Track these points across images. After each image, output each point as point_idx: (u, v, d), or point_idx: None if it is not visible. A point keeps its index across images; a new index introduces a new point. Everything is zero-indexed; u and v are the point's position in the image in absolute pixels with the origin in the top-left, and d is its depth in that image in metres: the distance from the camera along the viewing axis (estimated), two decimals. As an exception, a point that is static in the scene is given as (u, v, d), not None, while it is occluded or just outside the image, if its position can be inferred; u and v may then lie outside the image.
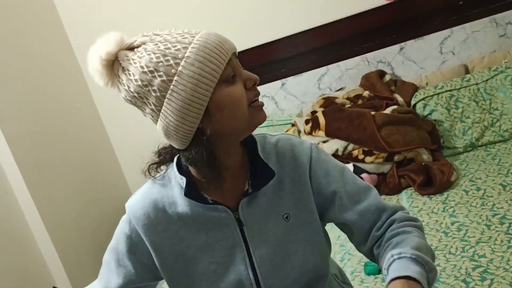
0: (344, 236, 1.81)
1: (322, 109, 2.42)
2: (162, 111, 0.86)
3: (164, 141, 0.97)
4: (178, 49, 0.84)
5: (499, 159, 2.08)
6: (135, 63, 0.86)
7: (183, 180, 0.94)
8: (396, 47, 2.66)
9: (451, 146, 2.28)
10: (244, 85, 0.90)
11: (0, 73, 2.31)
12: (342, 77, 2.74)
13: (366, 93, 2.50)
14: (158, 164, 0.99)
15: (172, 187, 0.98)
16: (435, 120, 2.33)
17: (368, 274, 1.62)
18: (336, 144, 2.27)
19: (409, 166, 2.14)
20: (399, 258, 0.88)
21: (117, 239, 1.02)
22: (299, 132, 2.50)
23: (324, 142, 2.32)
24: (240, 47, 0.93)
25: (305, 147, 1.01)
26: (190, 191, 0.94)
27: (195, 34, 0.87)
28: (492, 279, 1.39)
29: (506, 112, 2.25)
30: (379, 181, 2.17)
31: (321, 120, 2.33)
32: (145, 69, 0.84)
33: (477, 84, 2.36)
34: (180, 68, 0.84)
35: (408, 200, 2.02)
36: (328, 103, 2.46)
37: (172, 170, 0.98)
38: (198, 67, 0.83)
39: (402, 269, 0.86)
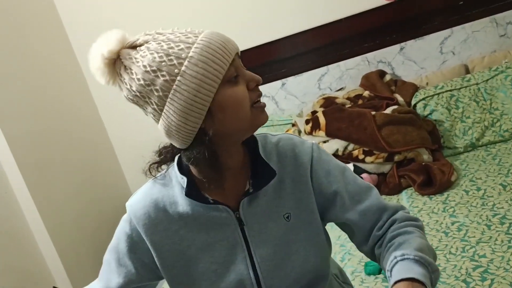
0: (344, 236, 1.82)
1: (322, 109, 2.42)
2: (164, 110, 0.86)
3: (165, 141, 0.97)
4: (182, 49, 0.84)
5: (500, 159, 2.08)
6: (137, 62, 0.85)
7: (184, 180, 0.94)
8: (396, 47, 2.66)
9: (451, 146, 2.28)
10: (246, 85, 0.90)
11: (0, 73, 2.31)
12: (342, 77, 2.74)
13: (366, 93, 2.50)
14: (159, 163, 0.99)
15: (173, 186, 0.98)
16: (435, 120, 2.33)
17: (369, 274, 1.62)
18: (336, 144, 2.27)
19: (409, 166, 2.14)
20: (402, 259, 0.88)
21: (117, 239, 1.02)
22: (299, 132, 2.50)
23: (325, 142, 2.32)
24: (240, 47, 0.93)
25: (306, 147, 1.01)
26: (191, 191, 0.94)
27: (198, 33, 0.87)
28: (492, 279, 1.39)
29: (507, 112, 2.25)
30: (379, 181, 2.17)
31: (322, 120, 2.33)
32: (148, 69, 0.84)
33: (477, 84, 2.36)
34: (183, 68, 0.83)
35: (408, 200, 2.01)
36: (329, 103, 2.46)
37: (173, 169, 0.98)
38: (201, 67, 0.83)
39: (405, 271, 0.86)
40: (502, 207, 1.73)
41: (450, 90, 2.37)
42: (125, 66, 0.87)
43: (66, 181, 2.58)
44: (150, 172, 0.99)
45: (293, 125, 2.59)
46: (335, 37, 2.70)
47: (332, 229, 1.11)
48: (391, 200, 2.08)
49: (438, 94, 2.37)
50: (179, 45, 0.84)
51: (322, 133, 2.32)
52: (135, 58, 0.86)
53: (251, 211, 0.97)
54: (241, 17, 2.74)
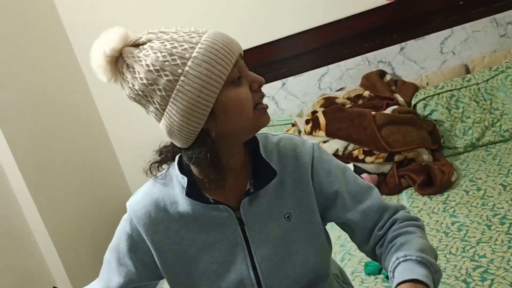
0: (344, 236, 1.82)
1: (322, 109, 2.42)
2: (166, 110, 0.86)
3: (165, 140, 0.96)
4: (185, 49, 0.84)
5: (500, 159, 2.08)
6: (140, 61, 0.84)
7: (184, 180, 0.94)
8: (397, 47, 2.66)
9: (451, 146, 2.28)
10: (249, 86, 0.89)
11: (0, 73, 2.31)
12: (342, 77, 2.74)
13: (366, 93, 2.49)
14: (160, 163, 0.99)
15: (173, 186, 0.97)
16: (435, 120, 2.33)
17: (369, 274, 1.61)
18: (336, 144, 2.27)
19: (410, 166, 2.14)
20: (404, 260, 0.88)
21: (118, 238, 1.02)
22: (299, 132, 2.50)
23: (325, 142, 2.31)
24: (240, 47, 0.92)
25: (307, 147, 1.01)
26: (192, 191, 0.94)
27: (202, 33, 0.86)
28: (492, 280, 1.39)
29: (507, 112, 2.25)
30: (380, 181, 2.17)
31: (322, 120, 2.33)
32: (151, 68, 0.83)
33: (477, 84, 2.35)
34: (187, 68, 0.83)
35: (408, 200, 2.01)
36: (329, 103, 2.45)
37: (174, 169, 0.98)
38: (205, 68, 0.83)
39: (408, 272, 0.86)
40: (502, 207, 1.73)
41: (450, 90, 2.37)
42: (127, 65, 0.86)
43: (66, 181, 2.58)
44: (151, 172, 0.98)
45: (293, 125, 2.59)
46: (335, 37, 2.70)
47: (332, 229, 1.11)
48: (391, 200, 2.07)
49: (438, 94, 2.37)
50: (182, 45, 0.84)
51: (322, 133, 2.31)
52: (138, 57, 0.85)
53: (252, 211, 0.97)
54: (241, 17, 2.74)
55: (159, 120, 0.89)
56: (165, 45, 0.84)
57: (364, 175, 2.17)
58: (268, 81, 2.76)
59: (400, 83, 2.57)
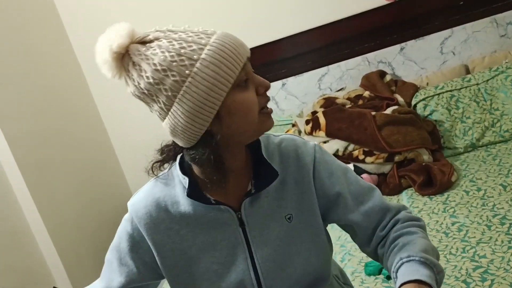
0: (344, 236, 1.82)
1: (322, 109, 2.42)
2: (171, 110, 0.85)
3: (166, 139, 0.96)
4: (194, 50, 0.83)
5: (500, 159, 2.08)
6: (147, 59, 0.83)
7: (185, 180, 0.93)
8: (397, 47, 2.66)
9: (451, 146, 2.28)
10: (255, 90, 0.89)
11: (0, 73, 2.31)
12: (342, 77, 2.74)
13: (366, 93, 2.50)
14: (162, 162, 0.98)
15: (174, 186, 0.97)
16: (435, 121, 2.33)
17: (369, 274, 1.61)
18: (336, 145, 2.27)
19: (410, 167, 2.14)
20: (407, 261, 0.88)
21: (119, 238, 1.02)
22: (299, 132, 2.50)
23: (325, 142, 2.31)
24: (240, 47, 0.92)
25: (308, 148, 1.00)
26: (193, 192, 0.93)
27: (211, 34, 0.85)
28: (492, 280, 1.39)
29: (507, 112, 2.25)
30: (380, 182, 2.17)
31: (322, 120, 2.33)
32: (158, 67, 0.82)
33: (477, 84, 2.35)
34: (194, 69, 0.82)
35: (408, 201, 2.01)
36: (329, 103, 2.45)
37: (175, 169, 0.97)
38: (213, 70, 0.82)
39: (411, 273, 0.86)
40: (502, 208, 1.73)
41: (451, 91, 2.37)
42: (133, 62, 0.85)
43: (66, 181, 2.58)
44: (153, 171, 0.98)
45: (293, 125, 2.59)
46: (336, 37, 2.70)
47: (332, 229, 1.11)
48: (391, 201, 2.08)
49: (438, 94, 2.37)
50: (191, 46, 0.83)
51: (322, 133, 2.31)
52: (145, 55, 0.83)
53: (253, 212, 0.97)
54: (241, 17, 2.74)
55: (163, 119, 0.88)
56: (173, 45, 0.83)
57: (364, 175, 2.17)
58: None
59: (400, 84, 2.57)
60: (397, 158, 2.17)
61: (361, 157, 2.20)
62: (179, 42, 0.83)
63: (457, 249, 1.59)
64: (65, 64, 2.85)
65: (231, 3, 2.74)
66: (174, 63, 0.82)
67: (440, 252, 1.59)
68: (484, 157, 2.15)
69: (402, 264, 0.89)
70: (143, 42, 0.85)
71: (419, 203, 1.96)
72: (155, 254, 0.98)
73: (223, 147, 0.89)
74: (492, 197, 1.82)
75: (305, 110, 2.61)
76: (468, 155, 2.22)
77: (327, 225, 1.06)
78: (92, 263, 2.53)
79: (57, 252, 2.35)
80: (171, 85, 0.82)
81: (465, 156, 2.23)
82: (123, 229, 1.01)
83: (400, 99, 2.46)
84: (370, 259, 1.59)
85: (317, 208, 0.99)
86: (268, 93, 0.93)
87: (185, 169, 0.96)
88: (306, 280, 1.00)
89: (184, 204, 0.96)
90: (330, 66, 2.73)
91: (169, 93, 0.83)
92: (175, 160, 0.98)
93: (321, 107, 2.46)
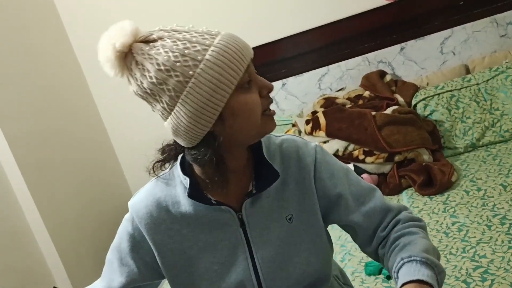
0: (344, 236, 1.82)
1: (322, 109, 2.42)
2: (174, 110, 0.84)
3: (167, 138, 0.96)
4: (198, 50, 0.82)
5: (500, 159, 2.08)
6: (151, 59, 0.83)
7: (186, 181, 0.93)
8: (397, 47, 2.66)
9: (451, 146, 2.28)
10: (259, 92, 0.89)
11: (0, 73, 2.31)
12: (342, 77, 2.74)
13: (366, 93, 2.50)
14: (163, 161, 0.98)
15: (175, 186, 0.97)
16: (435, 120, 2.33)
17: (369, 274, 1.61)
18: (336, 145, 2.27)
19: (410, 166, 2.14)
20: (409, 261, 0.88)
21: (120, 238, 1.02)
22: (299, 132, 2.50)
23: (325, 142, 2.31)
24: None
25: (310, 149, 1.00)
26: (194, 192, 0.93)
27: (215, 35, 0.85)
28: (492, 280, 1.39)
29: (507, 112, 2.25)
30: (380, 182, 2.17)
31: (322, 120, 2.33)
32: (162, 67, 0.82)
33: (477, 84, 2.35)
34: (198, 70, 0.82)
35: (408, 201, 2.01)
36: (329, 103, 2.45)
37: (176, 168, 0.97)
38: (217, 72, 0.82)
39: (413, 273, 0.86)
40: (503, 208, 1.73)
41: (451, 91, 2.37)
42: (136, 61, 0.84)
43: (66, 181, 2.58)
44: (154, 171, 0.98)
45: (294, 125, 2.59)
46: (336, 37, 2.70)
47: (332, 229, 1.11)
48: (391, 201, 2.08)
49: (439, 94, 2.37)
50: (195, 46, 0.83)
51: (322, 133, 2.31)
52: (149, 55, 0.83)
53: (254, 212, 0.97)
54: (241, 17, 2.74)
55: (165, 119, 0.87)
56: (177, 45, 0.83)
57: (364, 175, 2.17)
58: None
59: (400, 83, 2.57)
60: (397, 158, 2.17)
61: (361, 157, 2.20)
62: (183, 42, 0.83)
63: (457, 249, 1.59)
64: (65, 64, 2.85)
65: (231, 3, 2.74)
66: (178, 64, 0.82)
67: (440, 252, 1.58)
68: (484, 157, 2.15)
69: (403, 264, 0.89)
70: (147, 41, 0.85)
71: (419, 203, 1.96)
72: (156, 254, 0.98)
73: (225, 148, 0.89)
74: (492, 197, 1.82)
75: (305, 110, 2.61)
76: (468, 155, 2.22)
77: (327, 225, 1.05)
78: (92, 263, 2.53)
79: (57, 252, 2.35)
80: (174, 85, 0.82)
81: (465, 156, 2.23)
82: (124, 229, 1.01)
83: (400, 99, 2.46)
84: (370, 259, 1.59)
85: (318, 209, 0.99)
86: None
87: (186, 169, 0.95)
88: (306, 281, 1.00)
89: (185, 204, 0.96)
90: (330, 66, 2.73)
91: (172, 94, 0.83)
92: (176, 160, 0.98)
93: (321, 107, 2.46)
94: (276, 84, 2.77)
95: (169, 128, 0.88)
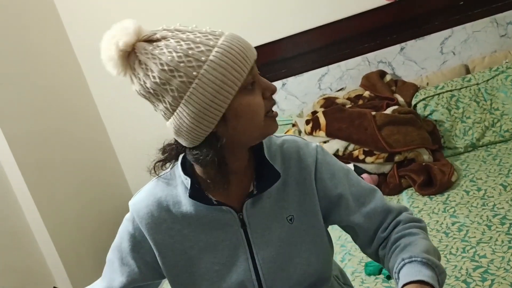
0: (344, 236, 1.82)
1: (322, 109, 2.42)
2: (177, 111, 0.84)
3: (168, 138, 0.96)
4: (202, 51, 0.82)
5: (500, 159, 2.08)
6: (154, 59, 0.82)
7: (187, 181, 0.93)
8: (397, 47, 2.66)
9: (451, 146, 2.28)
10: (262, 94, 0.89)
11: (0, 73, 2.31)
12: (342, 77, 2.74)
13: (366, 93, 2.50)
14: (164, 161, 0.98)
15: (176, 186, 0.97)
16: (435, 120, 2.33)
17: (369, 274, 1.61)
18: (336, 145, 2.27)
19: (410, 166, 2.14)
20: (410, 262, 0.88)
21: (120, 238, 1.01)
22: (299, 132, 2.50)
23: (325, 142, 2.31)
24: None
25: (310, 149, 1.00)
26: (195, 192, 0.93)
27: (218, 36, 0.85)
28: (492, 280, 1.39)
29: (507, 112, 2.25)
30: (380, 182, 2.17)
31: (322, 120, 2.33)
32: (165, 67, 0.81)
33: (477, 84, 2.35)
34: (202, 71, 0.81)
35: (408, 201, 2.01)
36: (329, 103, 2.45)
37: (177, 168, 0.97)
38: (220, 73, 0.81)
39: (414, 274, 0.86)
40: (503, 208, 1.73)
41: (451, 90, 2.37)
42: (140, 61, 0.84)
43: (66, 181, 2.58)
44: (155, 171, 0.98)
45: (294, 125, 2.59)
46: (336, 37, 2.70)
47: (332, 229, 1.11)
48: (391, 201, 2.08)
49: (439, 94, 2.37)
50: (199, 47, 0.82)
51: (322, 133, 2.31)
52: (152, 54, 0.82)
53: (255, 213, 0.97)
54: (241, 17, 2.74)
55: (168, 119, 0.87)
56: (181, 45, 0.82)
57: (364, 175, 2.17)
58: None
59: (400, 83, 2.57)
60: (397, 158, 2.17)
61: (361, 157, 2.20)
62: (187, 42, 0.83)
63: (457, 249, 1.59)
64: (65, 64, 2.85)
65: (231, 3, 2.74)
66: (182, 64, 0.81)
67: (440, 252, 1.58)
68: (484, 157, 2.15)
69: (404, 265, 0.89)
70: (150, 40, 0.84)
71: (419, 203, 1.96)
72: (157, 254, 0.98)
73: (227, 149, 0.89)
74: (492, 197, 1.82)
75: (305, 110, 2.61)
76: (468, 155, 2.22)
77: (328, 226, 1.05)
78: (92, 263, 2.53)
79: (57, 252, 2.34)
80: (177, 86, 0.82)
81: (465, 156, 2.23)
82: (125, 228, 1.01)
83: (400, 99, 2.46)
84: (370, 259, 1.59)
85: (318, 210, 0.99)
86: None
87: (187, 169, 0.95)
88: (307, 281, 1.00)
89: (186, 204, 0.96)
90: (330, 66, 2.73)
91: (176, 94, 0.83)
92: (177, 159, 0.98)
93: (321, 107, 2.46)
94: (276, 84, 2.77)
95: (171, 128, 0.87)
